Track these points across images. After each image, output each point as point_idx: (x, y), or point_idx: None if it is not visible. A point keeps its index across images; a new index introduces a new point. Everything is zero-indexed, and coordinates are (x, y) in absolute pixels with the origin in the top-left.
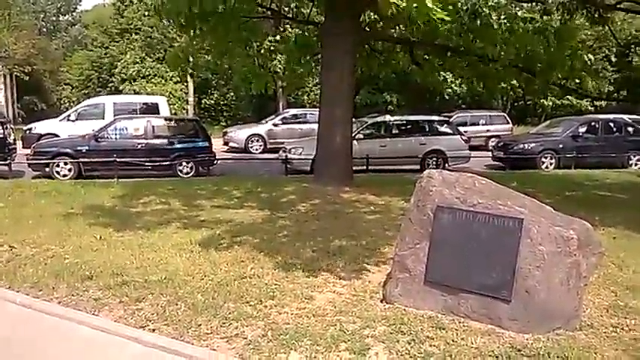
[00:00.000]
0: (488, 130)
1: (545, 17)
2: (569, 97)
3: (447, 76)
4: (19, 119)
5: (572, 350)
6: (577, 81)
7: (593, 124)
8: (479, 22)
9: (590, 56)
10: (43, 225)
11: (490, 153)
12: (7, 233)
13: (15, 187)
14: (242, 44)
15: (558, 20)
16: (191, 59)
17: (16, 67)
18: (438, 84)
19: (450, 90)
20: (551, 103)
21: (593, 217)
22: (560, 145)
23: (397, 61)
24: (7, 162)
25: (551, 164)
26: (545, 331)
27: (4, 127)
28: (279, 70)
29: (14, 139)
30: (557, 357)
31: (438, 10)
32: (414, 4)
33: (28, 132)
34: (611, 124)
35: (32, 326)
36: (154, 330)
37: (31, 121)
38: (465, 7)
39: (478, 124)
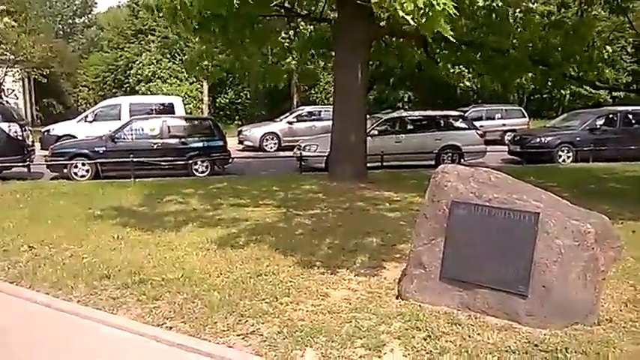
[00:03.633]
0: (504, 125)
1: (562, 9)
2: (587, 89)
3: (463, 72)
4: (38, 121)
5: (590, 345)
6: (594, 73)
7: (610, 116)
8: (494, 16)
9: (609, 48)
10: (62, 225)
11: (506, 147)
12: (27, 234)
13: (34, 188)
14: (256, 43)
15: (575, 12)
16: (206, 63)
17: (34, 70)
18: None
19: (462, 84)
20: (567, 96)
21: (612, 210)
22: (578, 138)
23: (411, 56)
24: (26, 163)
25: (568, 158)
26: (562, 326)
27: (23, 129)
28: (293, 67)
29: (32, 141)
30: (575, 352)
31: (448, 28)
32: (424, 20)
33: (46, 134)
34: (630, 116)
35: (52, 325)
36: (171, 328)
37: (50, 123)
38: (479, 3)
39: (494, 119)
